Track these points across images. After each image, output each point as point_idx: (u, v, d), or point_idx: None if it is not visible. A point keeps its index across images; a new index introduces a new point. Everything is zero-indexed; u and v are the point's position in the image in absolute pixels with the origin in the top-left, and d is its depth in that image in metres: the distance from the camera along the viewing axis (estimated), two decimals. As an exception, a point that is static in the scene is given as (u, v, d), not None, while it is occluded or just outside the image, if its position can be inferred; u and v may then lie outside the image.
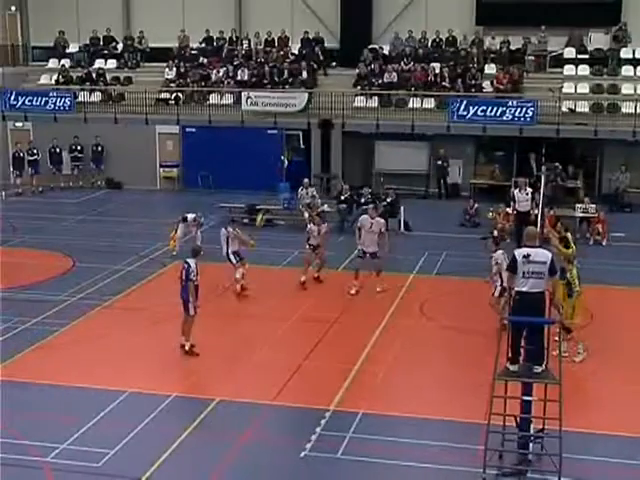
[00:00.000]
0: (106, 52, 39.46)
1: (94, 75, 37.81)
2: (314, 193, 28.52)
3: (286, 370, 16.38)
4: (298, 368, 16.59)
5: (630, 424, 14.29)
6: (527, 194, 25.39)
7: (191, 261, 17.22)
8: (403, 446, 13.52)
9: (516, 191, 25.64)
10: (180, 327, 17.33)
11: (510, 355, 12.63)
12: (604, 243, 26.56)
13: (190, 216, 24.33)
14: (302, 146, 34.67)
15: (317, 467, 12.97)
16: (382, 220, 21.57)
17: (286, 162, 33.61)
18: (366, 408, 14.79)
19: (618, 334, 18.59)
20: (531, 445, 13.00)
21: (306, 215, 27.69)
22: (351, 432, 13.93)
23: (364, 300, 20.84)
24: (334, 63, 37.29)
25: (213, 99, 36.06)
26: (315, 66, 36.46)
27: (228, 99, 35.84)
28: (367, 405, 14.92)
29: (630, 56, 35.13)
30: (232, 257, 21.19)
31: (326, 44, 37.42)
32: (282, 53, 37.08)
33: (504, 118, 32.40)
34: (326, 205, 28.31)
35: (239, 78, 36.35)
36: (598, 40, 35.91)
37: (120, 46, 39.56)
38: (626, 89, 33.85)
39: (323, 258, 22.46)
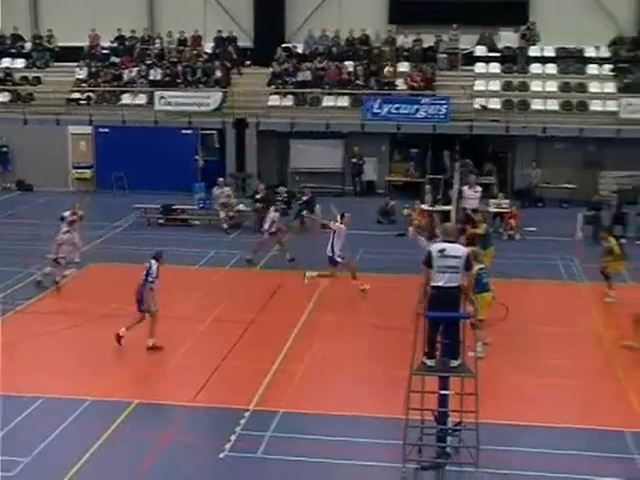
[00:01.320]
0: (14, 51, 38.59)
1: (1, 75, 36.96)
2: (229, 193, 28.40)
3: (205, 370, 16.26)
4: (217, 368, 16.47)
5: (546, 415, 14.57)
6: (476, 192, 25.55)
7: (153, 262, 17.23)
8: (324, 444, 13.53)
9: (465, 188, 25.68)
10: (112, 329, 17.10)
11: (427, 350, 12.73)
12: (517, 237, 27.04)
13: (66, 214, 23.25)
14: (217, 146, 34.46)
15: (237, 467, 12.90)
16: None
17: (201, 162, 33.35)
18: (286, 407, 14.77)
19: (532, 327, 18.93)
20: (449, 438, 13.13)
21: (222, 215, 27.57)
22: (271, 431, 13.89)
23: (282, 299, 20.81)
24: (248, 62, 37.16)
25: (126, 99, 35.61)
26: (229, 65, 36.27)
27: (141, 99, 35.45)
28: (287, 404, 14.90)
29: (539, 54, 35.96)
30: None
31: (239, 43, 37.27)
32: (195, 52, 36.80)
33: (418, 116, 32.78)
34: (242, 204, 28.23)
35: (152, 78, 35.96)
36: (508, 38, 36.67)
37: (28, 45, 38.73)
38: (535, 86, 34.58)
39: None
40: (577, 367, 16.90)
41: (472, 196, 25.29)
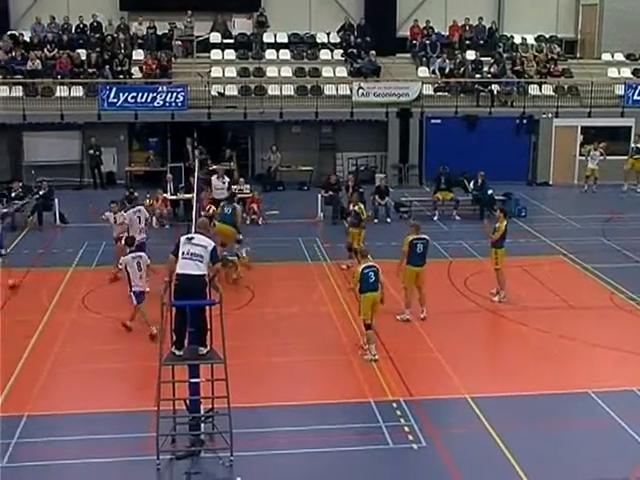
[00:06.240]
0: None
1: None
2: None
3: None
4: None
5: (297, 393, 14.87)
6: (224, 182, 25.64)
7: None
8: (74, 444, 13.10)
9: (214, 178, 25.71)
10: None
11: (174, 339, 12.61)
12: (260, 222, 27.36)
13: None
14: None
15: (-19, 479, 12.21)
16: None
17: None
18: (31, 410, 14.13)
19: (280, 310, 19.25)
20: (202, 425, 13.11)
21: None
22: (17, 437, 13.23)
23: (22, 299, 19.87)
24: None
25: None
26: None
27: None
28: (32, 407, 14.26)
29: (272, 40, 36.58)
30: None
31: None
32: None
33: (155, 104, 32.37)
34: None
35: None
36: (242, 25, 37.02)
37: None
38: (270, 72, 35.11)
39: None
40: (319, 344, 17.30)
41: (220, 186, 25.50)
